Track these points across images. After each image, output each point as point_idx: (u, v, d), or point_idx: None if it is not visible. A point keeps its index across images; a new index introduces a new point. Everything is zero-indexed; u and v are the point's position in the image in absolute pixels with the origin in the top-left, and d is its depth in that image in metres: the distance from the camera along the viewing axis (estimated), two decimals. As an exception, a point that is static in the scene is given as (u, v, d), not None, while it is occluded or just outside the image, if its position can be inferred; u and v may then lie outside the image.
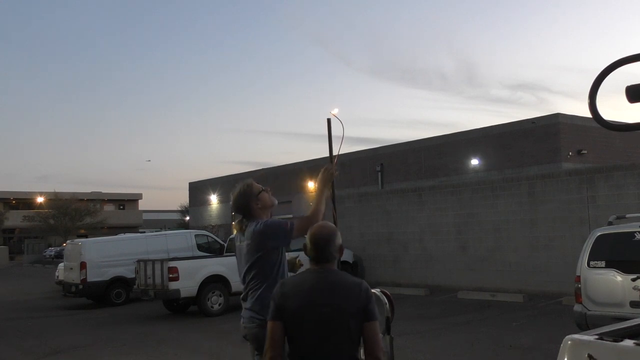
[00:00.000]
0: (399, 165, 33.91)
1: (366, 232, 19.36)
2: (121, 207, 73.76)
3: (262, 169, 45.06)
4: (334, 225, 3.13)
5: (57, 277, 21.60)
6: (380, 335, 2.86)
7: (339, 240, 3.08)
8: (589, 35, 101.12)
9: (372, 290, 5.73)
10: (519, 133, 28.31)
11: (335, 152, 4.81)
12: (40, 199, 56.54)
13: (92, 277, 17.29)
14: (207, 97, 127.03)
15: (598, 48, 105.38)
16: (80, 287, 17.33)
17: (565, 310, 11.39)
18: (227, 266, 14.74)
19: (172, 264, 14.37)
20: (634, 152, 28.00)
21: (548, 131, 27.20)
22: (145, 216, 74.40)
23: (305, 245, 3.09)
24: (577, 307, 8.40)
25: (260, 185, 4.09)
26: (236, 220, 4.01)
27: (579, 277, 8.41)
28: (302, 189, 40.15)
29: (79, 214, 53.09)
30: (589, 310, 8.20)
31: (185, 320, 13.86)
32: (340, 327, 2.81)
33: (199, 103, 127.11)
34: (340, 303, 2.83)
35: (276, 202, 4.08)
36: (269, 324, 2.92)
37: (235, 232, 4.04)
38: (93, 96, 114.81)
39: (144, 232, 36.05)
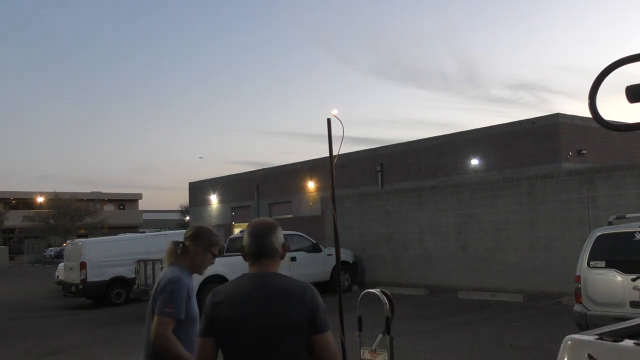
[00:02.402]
0: (399, 165, 33.91)
1: (366, 232, 19.35)
2: (121, 207, 73.76)
3: (262, 169, 45.07)
4: (275, 221, 2.68)
5: (57, 277, 21.60)
6: (334, 346, 2.46)
7: (282, 236, 2.62)
8: (590, 35, 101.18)
9: (372, 290, 5.74)
10: (519, 133, 28.32)
11: (335, 152, 4.82)
12: (40, 199, 56.57)
13: (92, 277, 17.30)
14: (207, 97, 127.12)
15: (598, 48, 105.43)
16: (80, 287, 17.34)
17: (565, 310, 11.40)
18: (227, 266, 14.74)
19: (172, 264, 14.34)
20: (634, 152, 28.02)
21: (548, 131, 27.21)
22: (145, 216, 74.40)
23: (242, 247, 2.60)
24: (577, 307, 8.40)
25: (220, 247, 3.68)
26: (172, 246, 3.52)
27: (579, 277, 8.41)
28: (302, 189, 40.15)
29: (79, 214, 53.11)
30: (589, 310, 8.20)
31: (185, 320, 13.84)
32: (283, 341, 2.39)
33: (199, 103, 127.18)
34: (282, 312, 2.39)
35: (203, 272, 3.62)
36: (199, 341, 2.50)
37: (166, 262, 3.55)
38: (93, 96, 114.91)
39: (144, 232, 36.06)
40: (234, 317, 2.42)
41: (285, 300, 2.41)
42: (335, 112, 4.68)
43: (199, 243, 3.49)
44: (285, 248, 2.62)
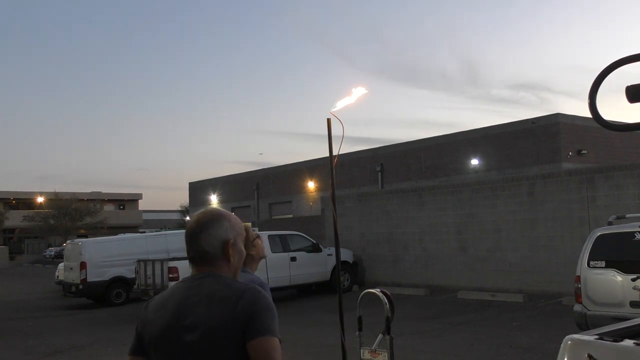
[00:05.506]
0: (399, 165, 33.93)
1: (366, 232, 19.35)
2: (121, 207, 73.77)
3: (263, 169, 45.10)
4: (224, 211, 2.19)
5: (57, 277, 21.61)
6: (277, 357, 1.96)
7: (225, 233, 2.10)
8: (590, 35, 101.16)
9: (372, 290, 5.74)
10: (519, 133, 28.33)
11: (335, 152, 4.81)
12: (40, 199, 56.59)
13: (92, 277, 17.30)
14: (207, 96, 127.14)
15: (599, 48, 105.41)
16: (80, 287, 17.34)
17: (565, 310, 11.40)
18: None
19: (172, 264, 14.37)
20: (634, 152, 28.03)
21: (548, 131, 27.22)
22: (145, 216, 74.41)
23: None
24: (577, 307, 8.41)
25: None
26: None
27: (579, 277, 8.41)
28: (302, 189, 40.16)
29: (79, 214, 53.11)
30: (589, 310, 8.20)
31: (185, 320, 13.86)
32: (213, 357, 1.96)
33: (199, 103, 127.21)
34: (210, 324, 1.95)
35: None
36: None
37: None
38: (93, 96, 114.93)
39: (144, 232, 36.06)
40: (160, 332, 2.03)
41: (215, 307, 1.96)
42: (336, 108, 4.66)
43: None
44: (232, 248, 2.10)
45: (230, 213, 2.19)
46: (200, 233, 2.07)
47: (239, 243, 2.13)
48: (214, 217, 2.11)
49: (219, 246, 2.07)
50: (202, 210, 2.18)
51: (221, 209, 2.24)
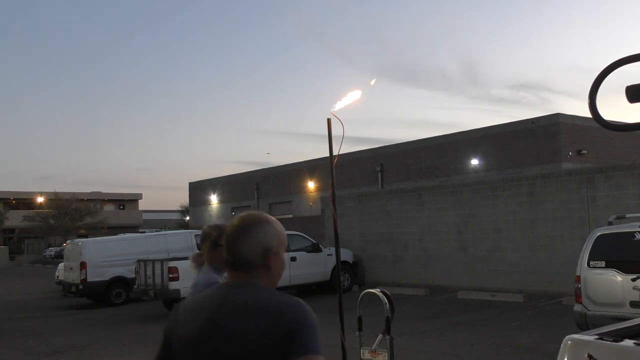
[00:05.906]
0: (399, 165, 33.93)
1: (366, 232, 19.36)
2: (121, 207, 73.78)
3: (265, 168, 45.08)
4: (268, 216, 2.03)
5: (57, 277, 21.62)
6: None
7: (268, 239, 1.95)
8: (591, 35, 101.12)
9: (372, 290, 5.74)
10: (519, 133, 28.34)
11: (335, 152, 4.81)
12: (40, 199, 56.62)
13: (92, 277, 17.30)
14: (207, 96, 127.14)
15: (599, 48, 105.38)
16: (80, 287, 17.34)
17: (565, 310, 11.40)
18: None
19: (172, 264, 14.38)
20: (634, 152, 28.03)
21: (548, 131, 27.22)
22: (145, 216, 74.43)
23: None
24: (577, 307, 8.41)
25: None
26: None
27: (579, 277, 8.42)
28: (302, 189, 40.16)
29: (79, 214, 53.13)
30: (589, 310, 8.20)
31: (185, 320, 13.85)
32: None
33: (199, 103, 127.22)
34: (246, 334, 1.81)
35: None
36: None
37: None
38: (93, 96, 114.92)
39: (144, 232, 36.07)
40: (190, 339, 1.91)
41: (254, 319, 1.82)
42: (336, 108, 4.65)
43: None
44: (274, 257, 1.95)
45: (274, 219, 2.04)
46: (241, 237, 1.93)
47: (282, 252, 2.00)
48: (257, 221, 1.97)
49: (259, 253, 1.93)
50: (243, 214, 2.02)
51: (264, 213, 2.06)
